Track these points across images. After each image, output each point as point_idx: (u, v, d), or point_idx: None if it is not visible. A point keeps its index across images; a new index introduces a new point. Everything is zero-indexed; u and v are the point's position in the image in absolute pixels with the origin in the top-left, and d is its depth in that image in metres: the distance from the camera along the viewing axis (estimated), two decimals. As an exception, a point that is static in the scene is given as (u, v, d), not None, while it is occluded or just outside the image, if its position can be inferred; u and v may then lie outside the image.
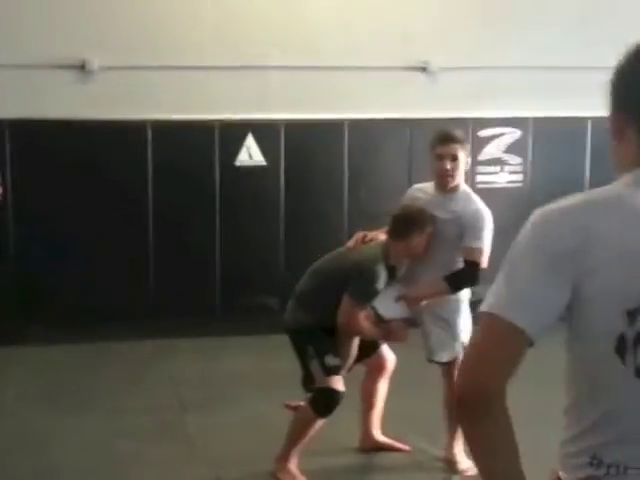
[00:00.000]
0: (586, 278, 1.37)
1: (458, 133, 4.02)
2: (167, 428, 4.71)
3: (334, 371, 3.84)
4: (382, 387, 4.25)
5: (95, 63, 7.16)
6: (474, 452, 1.48)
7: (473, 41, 7.90)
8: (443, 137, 3.96)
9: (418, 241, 3.90)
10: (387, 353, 4.23)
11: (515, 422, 1.44)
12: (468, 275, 3.85)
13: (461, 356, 4.01)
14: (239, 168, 7.47)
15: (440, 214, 3.91)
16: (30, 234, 7.00)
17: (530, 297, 1.40)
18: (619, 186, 1.46)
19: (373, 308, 4.02)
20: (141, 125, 7.24)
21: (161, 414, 4.91)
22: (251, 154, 7.48)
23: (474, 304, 3.97)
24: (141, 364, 6.02)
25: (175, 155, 7.29)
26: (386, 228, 4.14)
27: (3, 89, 6.89)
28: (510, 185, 8.17)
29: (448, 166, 3.88)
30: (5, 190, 6.72)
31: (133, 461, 4.28)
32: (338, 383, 3.83)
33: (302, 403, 4.06)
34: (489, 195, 8.22)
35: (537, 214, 1.50)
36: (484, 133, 8.12)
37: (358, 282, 3.81)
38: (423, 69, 7.91)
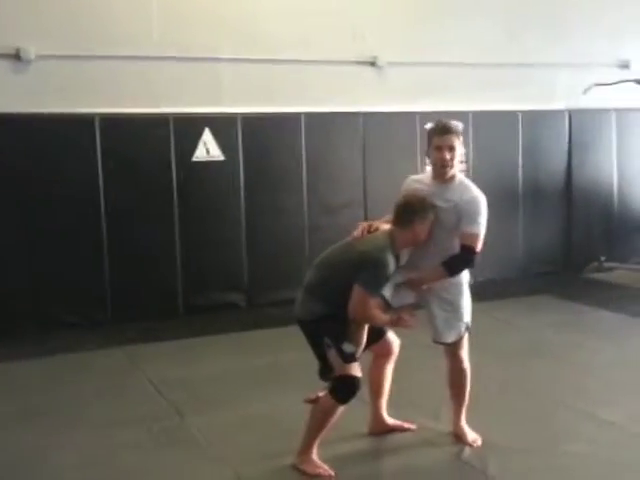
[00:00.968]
0: None
1: (455, 124, 4.14)
2: (169, 434, 4.53)
3: (352, 358, 3.88)
4: (389, 372, 4.34)
5: (31, 52, 6.74)
6: None
7: (419, 38, 8.14)
8: (441, 128, 4.05)
9: (421, 228, 3.97)
10: (392, 338, 4.31)
11: None
12: (464, 259, 3.99)
13: (466, 336, 4.18)
14: (196, 163, 7.33)
15: (439, 203, 4.00)
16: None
17: None
18: None
19: (381, 296, 4.06)
20: (88, 119, 6.94)
21: (158, 421, 4.71)
22: (208, 149, 7.35)
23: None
24: (116, 372, 5.78)
25: (127, 151, 7.05)
26: (389, 217, 4.18)
27: None
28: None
29: (447, 156, 3.98)
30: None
31: (143, 473, 4.09)
32: (357, 369, 3.89)
33: (321, 394, 4.05)
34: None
35: None
36: (430, 126, 8.26)
37: (367, 271, 3.82)
38: (372, 64, 8.02)
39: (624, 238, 9.24)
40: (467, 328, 4.18)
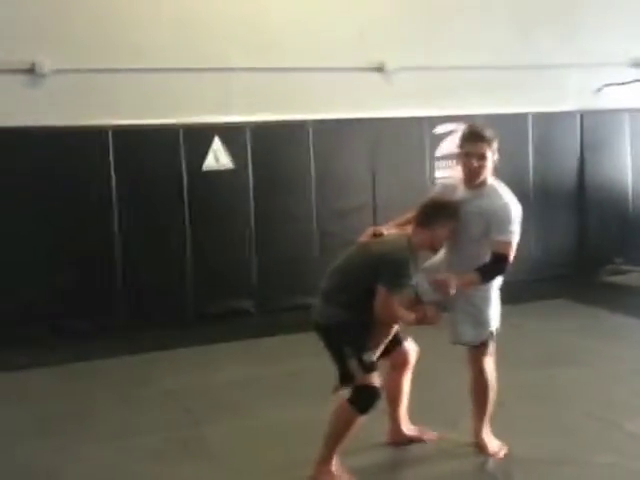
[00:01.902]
0: None
1: (486, 131, 4.00)
2: (186, 444, 4.51)
3: (372, 367, 3.86)
4: (407, 381, 4.29)
5: (46, 66, 6.85)
6: None
7: (426, 42, 8.12)
8: (471, 136, 3.97)
9: (441, 232, 3.96)
10: (409, 347, 4.27)
11: None
12: (495, 267, 3.92)
13: (490, 343, 4.12)
14: (207, 173, 7.35)
15: (468, 208, 3.97)
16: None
17: None
18: None
19: (414, 289, 4.05)
20: (101, 131, 7.01)
21: (174, 431, 4.72)
22: (218, 158, 7.38)
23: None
24: (130, 381, 5.80)
25: (139, 162, 7.13)
26: (397, 221, 4.21)
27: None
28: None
29: (475, 164, 3.92)
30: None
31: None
32: (376, 379, 3.87)
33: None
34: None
35: None
36: (439, 130, 8.30)
37: (389, 271, 3.80)
38: (379, 69, 8.02)
39: (640, 240, 9.14)
40: (492, 335, 4.10)
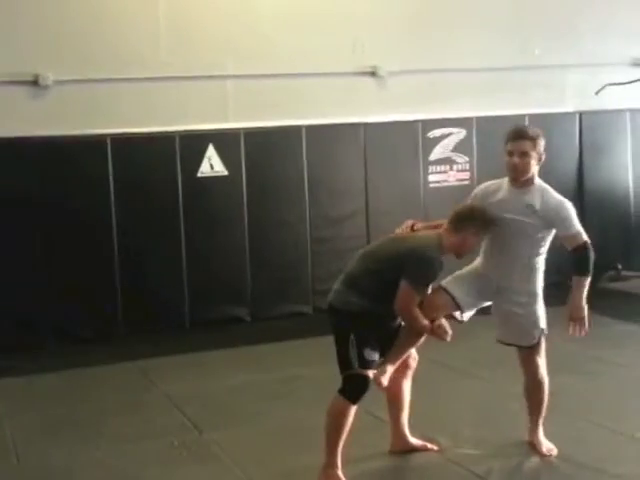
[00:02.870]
0: None
1: (530, 130, 4.09)
2: (191, 449, 4.54)
3: (369, 365, 3.86)
4: (407, 386, 4.28)
5: (49, 77, 6.93)
6: None
7: (420, 45, 8.14)
8: (514, 134, 4.06)
9: (473, 239, 3.99)
10: (412, 351, 4.23)
11: None
12: (584, 257, 4.04)
13: (543, 343, 4.16)
14: (201, 179, 7.38)
15: (517, 208, 4.00)
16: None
17: None
18: None
19: (452, 295, 4.05)
20: (101, 140, 7.06)
21: (178, 436, 4.73)
22: (212, 165, 7.41)
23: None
24: (131, 387, 5.84)
25: (137, 169, 7.17)
26: (434, 223, 4.23)
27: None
28: (459, 183, 8.38)
29: (517, 161, 4.00)
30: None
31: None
32: (370, 373, 3.88)
33: None
34: (440, 194, 8.54)
35: None
36: (433, 134, 8.33)
37: (415, 267, 3.82)
38: (373, 74, 8.05)
39: (641, 245, 8.98)
40: (543, 333, 4.16)
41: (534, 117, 8.52)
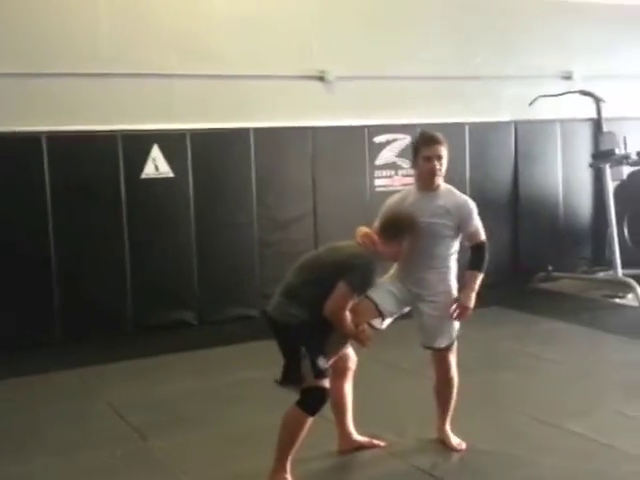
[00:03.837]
0: None
1: (440, 135, 4.21)
2: (136, 458, 4.41)
3: (324, 373, 3.86)
4: (348, 388, 4.33)
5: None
6: None
7: (367, 52, 8.18)
8: (429, 139, 4.17)
9: (406, 245, 4.07)
10: (350, 353, 4.30)
11: None
12: (480, 254, 4.23)
13: (455, 342, 4.29)
14: (145, 181, 7.22)
15: (429, 212, 4.11)
16: None
17: None
18: None
19: (375, 302, 4.10)
20: (35, 137, 6.79)
21: (121, 445, 4.58)
22: (157, 166, 7.25)
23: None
24: (72, 395, 5.61)
25: (75, 169, 6.93)
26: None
27: None
28: (404, 188, 8.33)
29: (437, 165, 4.12)
30: None
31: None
32: (326, 382, 3.88)
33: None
34: (386, 198, 8.45)
35: None
36: (379, 139, 8.36)
37: (355, 272, 3.85)
38: (321, 78, 8.03)
39: (570, 247, 9.39)
40: (458, 333, 4.29)
41: (473, 125, 8.76)
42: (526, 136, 9.09)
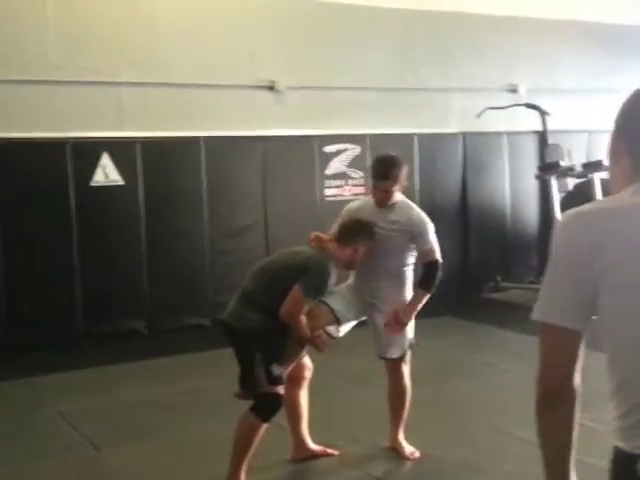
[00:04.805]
0: (606, 271, 1.59)
1: (392, 165, 4.20)
2: (87, 467, 4.36)
3: (278, 381, 3.89)
4: (303, 396, 4.34)
5: None
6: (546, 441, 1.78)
7: (315, 63, 8.22)
8: (377, 174, 4.22)
9: (361, 249, 4.12)
10: (305, 362, 4.32)
11: None
12: (432, 273, 4.21)
13: (409, 353, 4.31)
14: (95, 189, 7.14)
15: (383, 225, 4.17)
16: None
17: (566, 297, 1.71)
18: (624, 196, 1.66)
19: (331, 308, 4.13)
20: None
21: (73, 455, 4.54)
22: (107, 174, 7.18)
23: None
24: (21, 405, 5.52)
25: (23, 176, 6.82)
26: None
27: None
28: (354, 198, 8.36)
29: (382, 196, 4.20)
30: None
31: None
32: (280, 389, 3.90)
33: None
34: (336, 207, 8.47)
35: (562, 219, 1.72)
36: (329, 149, 8.41)
37: (311, 275, 3.89)
38: (271, 88, 8.05)
39: (518, 257, 9.49)
40: (411, 345, 4.34)
41: (422, 136, 8.86)
42: (474, 148, 9.20)
